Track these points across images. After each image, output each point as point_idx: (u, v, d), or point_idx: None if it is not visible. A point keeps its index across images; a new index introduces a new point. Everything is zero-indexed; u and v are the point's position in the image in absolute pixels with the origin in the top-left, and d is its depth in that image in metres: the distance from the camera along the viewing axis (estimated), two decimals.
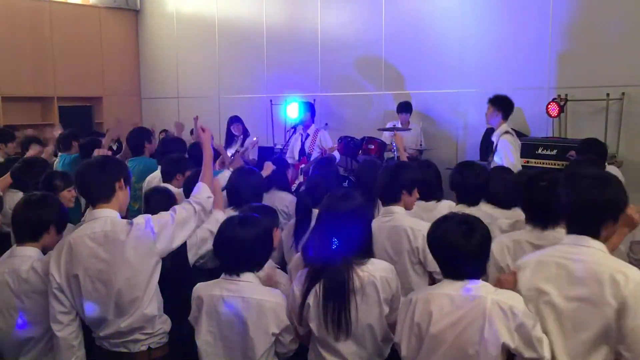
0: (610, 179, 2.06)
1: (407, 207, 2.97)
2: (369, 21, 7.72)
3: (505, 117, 5.13)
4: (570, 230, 2.07)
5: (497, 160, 4.94)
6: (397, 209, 2.92)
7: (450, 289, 2.07)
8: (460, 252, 2.05)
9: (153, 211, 2.77)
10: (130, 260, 2.31)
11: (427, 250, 2.33)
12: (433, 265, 2.61)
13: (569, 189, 2.06)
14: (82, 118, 9.51)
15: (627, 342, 1.88)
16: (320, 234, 2.35)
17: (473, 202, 3.21)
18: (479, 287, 2.04)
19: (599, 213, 2.00)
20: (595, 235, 2.01)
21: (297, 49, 8.42)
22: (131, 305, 2.34)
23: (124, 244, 2.31)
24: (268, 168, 4.13)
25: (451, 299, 2.03)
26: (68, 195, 3.67)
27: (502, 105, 5.12)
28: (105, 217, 2.36)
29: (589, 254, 1.98)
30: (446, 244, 2.09)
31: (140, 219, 2.41)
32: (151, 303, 2.39)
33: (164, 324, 2.48)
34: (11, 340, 2.48)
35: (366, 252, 2.35)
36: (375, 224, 2.83)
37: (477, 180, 3.23)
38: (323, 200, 2.46)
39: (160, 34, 10.31)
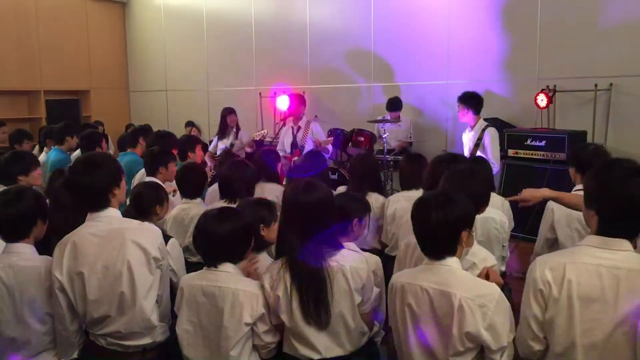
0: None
1: None
2: (358, 13, 7.70)
3: (477, 112, 5.28)
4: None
5: (483, 153, 5.07)
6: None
7: (425, 279, 2.09)
8: (430, 228, 2.07)
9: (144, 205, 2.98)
10: (134, 258, 2.31)
11: None
12: None
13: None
14: (70, 111, 9.39)
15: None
16: (286, 225, 2.32)
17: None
18: (451, 281, 2.04)
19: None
20: None
21: (286, 41, 8.38)
22: (133, 303, 2.32)
23: (129, 241, 2.31)
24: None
25: (424, 292, 2.06)
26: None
27: (469, 101, 5.29)
28: (110, 217, 2.37)
29: None
30: (419, 218, 2.12)
31: (151, 225, 2.50)
32: (153, 311, 2.38)
33: (162, 335, 2.47)
34: (5, 334, 2.46)
35: (334, 242, 2.33)
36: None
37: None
38: (286, 191, 2.42)
39: (147, 26, 10.21)
